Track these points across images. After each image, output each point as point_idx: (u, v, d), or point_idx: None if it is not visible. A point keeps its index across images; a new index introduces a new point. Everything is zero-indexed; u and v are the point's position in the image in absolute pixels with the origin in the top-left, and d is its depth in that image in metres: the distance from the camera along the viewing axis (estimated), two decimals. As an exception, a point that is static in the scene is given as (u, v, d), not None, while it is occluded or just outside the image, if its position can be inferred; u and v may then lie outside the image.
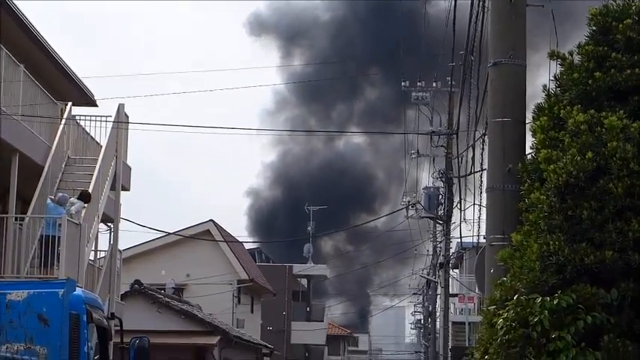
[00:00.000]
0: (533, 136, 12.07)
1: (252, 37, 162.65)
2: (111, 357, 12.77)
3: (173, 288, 44.42)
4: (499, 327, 10.71)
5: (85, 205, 25.11)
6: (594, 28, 11.79)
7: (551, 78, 12.32)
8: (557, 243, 10.55)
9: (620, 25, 11.43)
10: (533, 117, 12.21)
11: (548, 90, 12.19)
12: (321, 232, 68.19)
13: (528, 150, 12.78)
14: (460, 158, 31.52)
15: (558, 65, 12.25)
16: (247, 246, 61.56)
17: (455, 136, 29.94)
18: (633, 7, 11.71)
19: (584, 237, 10.53)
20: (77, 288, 11.88)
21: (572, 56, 12.05)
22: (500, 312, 10.89)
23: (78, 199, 24.87)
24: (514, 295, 10.75)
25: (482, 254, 13.46)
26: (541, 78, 13.54)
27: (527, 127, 12.86)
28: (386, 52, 74.25)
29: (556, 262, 10.54)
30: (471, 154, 30.50)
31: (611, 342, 10.19)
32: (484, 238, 13.51)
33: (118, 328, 12.99)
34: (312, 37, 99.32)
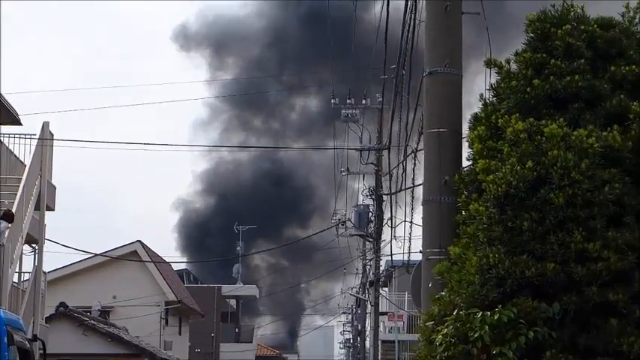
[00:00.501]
0: (470, 146, 11.72)
1: (182, 52, 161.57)
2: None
3: (99, 310, 43.68)
4: (438, 343, 10.31)
5: (9, 225, 24.51)
6: (532, 34, 11.47)
7: (488, 87, 12.00)
8: (497, 255, 10.18)
9: (559, 31, 11.13)
10: (470, 127, 11.87)
11: (485, 99, 11.87)
12: (251, 248, 67.61)
13: (465, 162, 12.43)
14: (391, 175, 31.12)
15: (495, 74, 11.93)
16: (176, 267, 60.81)
17: (387, 151, 29.46)
18: (572, 13, 11.42)
19: (524, 249, 10.18)
20: (-3, 309, 11.26)
21: (509, 64, 11.73)
22: (439, 328, 10.49)
23: (1, 218, 24.24)
24: (453, 310, 10.36)
25: (419, 269, 13.06)
26: (478, 87, 13.28)
27: (464, 138, 12.53)
28: (319, 62, 73.90)
29: (496, 275, 10.17)
30: (401, 171, 30.28)
31: (554, 357, 9.85)
32: (420, 252, 13.04)
33: (42, 351, 12.34)
34: (243, 47, 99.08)
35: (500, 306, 10.04)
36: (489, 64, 11.97)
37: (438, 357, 10.33)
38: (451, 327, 10.17)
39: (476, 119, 11.73)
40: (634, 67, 11.09)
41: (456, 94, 12.64)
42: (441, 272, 11.24)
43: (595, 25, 11.38)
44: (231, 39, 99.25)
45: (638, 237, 10.10)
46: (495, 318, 9.96)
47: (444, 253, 11.91)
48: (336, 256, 59.40)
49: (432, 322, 10.86)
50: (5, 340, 10.89)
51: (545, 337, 9.97)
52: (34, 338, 12.16)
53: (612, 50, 11.35)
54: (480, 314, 10.03)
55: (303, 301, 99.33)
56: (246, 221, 72.60)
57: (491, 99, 11.82)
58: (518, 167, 10.26)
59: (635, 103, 10.71)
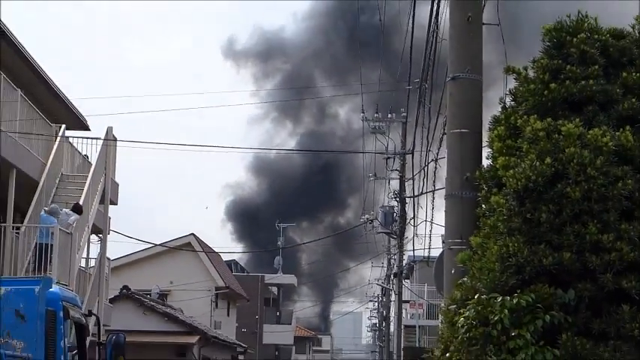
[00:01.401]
0: (489, 145, 10.96)
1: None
2: (88, 353, 11.48)
3: (158, 293, 43.19)
4: (460, 325, 9.55)
5: (79, 217, 24.13)
6: (548, 43, 10.67)
7: (507, 92, 11.24)
8: (516, 245, 9.41)
9: (574, 40, 10.33)
10: (489, 127, 11.10)
11: (504, 102, 11.10)
12: (295, 231, 66.95)
13: (484, 160, 11.67)
14: (414, 179, 30.40)
15: (513, 80, 11.17)
16: (225, 258, 60.17)
17: (410, 156, 28.74)
18: (586, 24, 10.63)
19: (542, 239, 9.40)
20: (55, 286, 10.62)
21: (526, 70, 10.95)
22: (461, 311, 9.74)
23: (72, 210, 23.88)
24: (475, 295, 9.59)
25: (441, 258, 12.31)
26: (492, 93, 12.56)
27: (484, 138, 11.79)
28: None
29: (515, 263, 9.39)
30: (423, 176, 29.57)
31: (569, 340, 9.05)
32: (441, 245, 12.32)
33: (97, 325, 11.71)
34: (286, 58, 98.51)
35: (519, 292, 9.28)
36: (508, 70, 11.20)
37: (459, 338, 9.57)
38: (472, 310, 9.41)
39: (496, 120, 10.96)
40: (644, 73, 10.32)
41: (476, 98, 11.89)
42: (463, 260, 10.50)
43: (608, 35, 10.58)
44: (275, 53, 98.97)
45: (648, 229, 9.30)
46: (514, 302, 9.19)
47: (465, 244, 11.16)
48: (365, 250, 58.78)
49: (455, 306, 10.11)
50: (61, 314, 10.24)
51: (560, 321, 9.19)
52: (90, 313, 11.48)
53: (623, 58, 10.53)
54: (500, 299, 9.27)
55: (336, 289, 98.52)
56: (291, 208, 71.98)
57: (510, 103, 11.06)
58: (537, 163, 9.49)
59: (646, 106, 9.95)
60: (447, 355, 10.10)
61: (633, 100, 10.03)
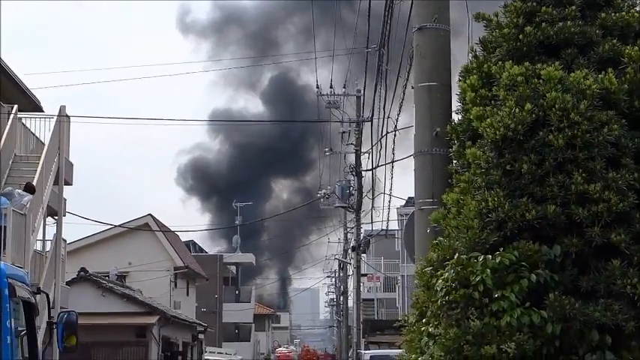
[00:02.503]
0: (461, 97, 9.94)
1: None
2: (38, 332, 10.39)
3: (116, 275, 41.97)
4: (438, 289, 8.58)
5: (31, 197, 22.93)
6: (520, -15, 9.71)
7: (476, 42, 10.27)
8: (496, 199, 8.45)
9: (548, -20, 9.38)
10: (460, 78, 10.10)
11: (475, 51, 10.12)
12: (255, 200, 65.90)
13: (454, 115, 10.71)
14: (372, 151, 29.46)
15: (483, 27, 10.21)
16: (183, 238, 58.98)
17: (369, 126, 27.71)
18: (560, -37, 9.68)
19: (524, 192, 8.47)
20: (-1, 263, 9.49)
21: (497, 17, 9.99)
22: (439, 273, 8.78)
23: (24, 190, 22.69)
24: (453, 255, 8.63)
25: (411, 219, 11.32)
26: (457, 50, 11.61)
27: (453, 91, 10.83)
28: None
29: (496, 218, 8.45)
30: (379, 148, 28.61)
31: (557, 300, 8.13)
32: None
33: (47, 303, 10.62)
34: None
35: (502, 249, 8.34)
36: (478, 17, 10.23)
37: (438, 302, 8.61)
38: (452, 271, 8.44)
39: (467, 70, 9.97)
40: (623, 14, 9.39)
41: (445, 49, 10.93)
42: (437, 220, 9.53)
43: (582, -25, 9.66)
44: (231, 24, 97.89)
45: (637, 178, 8.38)
46: (497, 261, 8.26)
47: (437, 203, 10.23)
48: (322, 226, 57.97)
49: (431, 268, 9.15)
50: (6, 292, 9.11)
51: (546, 280, 8.26)
52: (38, 291, 10.34)
53: (601, -1, 9.63)
54: (481, 258, 8.32)
55: (294, 265, 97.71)
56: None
57: (480, 52, 10.08)
58: (517, 110, 8.54)
59: (628, 47, 9.01)
60: (424, 320, 9.16)
61: (614, 41, 9.11)
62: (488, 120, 8.71)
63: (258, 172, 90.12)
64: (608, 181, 8.27)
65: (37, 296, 10.61)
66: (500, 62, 9.27)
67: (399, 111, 18.44)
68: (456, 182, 9.65)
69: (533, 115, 8.48)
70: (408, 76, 16.74)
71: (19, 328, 10.03)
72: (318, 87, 41.92)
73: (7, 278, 9.31)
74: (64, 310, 11.31)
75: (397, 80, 17.34)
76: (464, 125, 9.73)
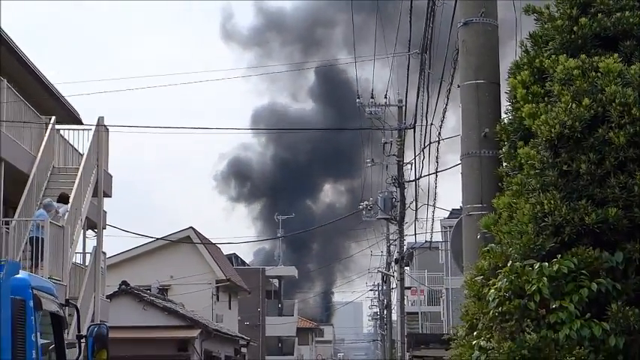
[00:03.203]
0: (511, 94, 9.30)
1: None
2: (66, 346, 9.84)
3: (158, 288, 41.48)
4: (490, 298, 7.94)
5: (68, 208, 22.61)
6: (574, -24, 9.04)
7: (526, 37, 9.60)
8: (552, 202, 7.80)
9: (604, -30, 8.70)
10: (509, 74, 9.45)
11: (525, 45, 9.45)
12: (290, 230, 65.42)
13: (503, 115, 10.05)
14: (415, 161, 28.73)
15: (534, 21, 9.55)
16: (225, 252, 58.51)
17: (412, 134, 26.94)
18: (617, -48, 8.99)
19: (583, 194, 7.81)
20: (22, 272, 8.95)
21: (548, 9, 9.33)
22: (491, 282, 8.12)
23: (58, 202, 22.37)
24: (506, 263, 7.98)
25: (459, 226, 10.65)
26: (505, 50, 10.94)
27: (502, 89, 10.18)
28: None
29: (552, 223, 7.80)
30: (422, 158, 27.94)
31: (620, 310, 7.45)
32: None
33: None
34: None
35: (559, 256, 7.67)
36: (528, 10, 9.57)
37: (490, 313, 7.96)
38: (505, 280, 7.79)
39: (517, 66, 9.32)
40: (686, 2, 8.69)
41: (492, 45, 10.28)
42: (487, 225, 8.86)
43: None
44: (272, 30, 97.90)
45: None
46: (554, 269, 7.60)
47: (486, 208, 9.58)
48: (364, 238, 57.31)
49: (482, 277, 8.49)
50: (31, 304, 8.57)
51: (608, 289, 7.59)
52: (67, 303, 9.79)
53: (660, -13, 8.92)
54: (536, 265, 7.67)
55: (336, 279, 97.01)
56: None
57: (531, 47, 9.41)
58: (573, 105, 7.88)
59: (692, 38, 8.33)
60: (475, 333, 8.48)
61: (676, 32, 8.42)
62: (543, 117, 8.06)
63: (305, 173, 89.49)
64: (674, 182, 7.59)
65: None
66: (553, 56, 8.61)
67: (443, 117, 17.77)
68: (506, 186, 9.00)
69: (592, 111, 7.82)
70: (452, 80, 16.07)
71: (46, 342, 9.54)
72: (359, 97, 41.16)
73: (32, 289, 8.79)
74: (95, 323, 10.77)
75: (440, 84, 16.68)
76: (515, 124, 9.08)
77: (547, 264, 7.61)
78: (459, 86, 10.39)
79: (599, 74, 8.00)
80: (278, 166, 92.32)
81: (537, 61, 8.89)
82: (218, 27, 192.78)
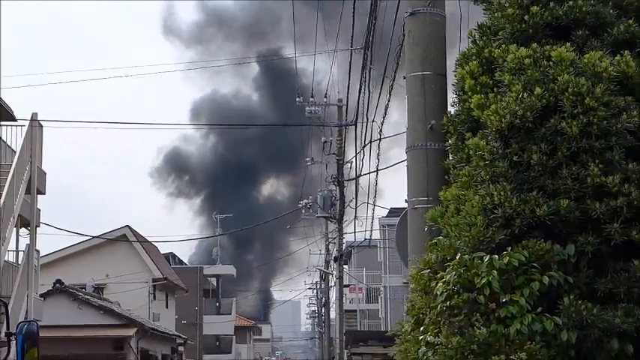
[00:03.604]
0: (459, 85, 9.05)
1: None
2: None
3: (93, 287, 40.71)
4: (438, 292, 7.69)
5: None
6: (524, -37, 8.82)
7: (474, 27, 9.37)
8: (502, 193, 7.58)
9: (555, -43, 8.49)
10: (457, 65, 9.20)
11: (474, 35, 9.23)
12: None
13: (450, 108, 9.81)
14: (356, 158, 28.56)
15: (482, 11, 9.33)
16: (162, 251, 57.78)
17: (354, 128, 26.68)
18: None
19: (534, 185, 7.60)
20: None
21: (497, -2, 9.10)
22: (439, 275, 7.87)
23: None
24: (455, 256, 7.74)
25: (404, 220, 10.39)
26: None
27: (449, 81, 9.94)
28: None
29: (502, 215, 7.57)
30: (362, 157, 27.73)
31: (572, 304, 7.24)
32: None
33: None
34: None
35: (510, 249, 7.45)
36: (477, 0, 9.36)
37: (438, 307, 7.71)
38: (454, 273, 7.55)
39: (465, 57, 9.09)
40: (638, -7, 8.54)
41: (439, 36, 10.03)
42: (434, 218, 8.63)
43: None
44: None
45: (659, 170, 7.52)
46: (504, 262, 7.38)
47: (432, 202, 9.35)
48: (302, 236, 57.04)
49: (429, 270, 8.24)
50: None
51: (560, 283, 7.38)
52: (-5, 301, 9.29)
53: (613, -22, 8.75)
54: (486, 258, 7.43)
55: (276, 277, 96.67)
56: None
57: (479, 39, 9.17)
58: (525, 95, 7.67)
59: (646, 28, 8.16)
60: (421, 329, 8.23)
61: (630, 21, 8.26)
62: (493, 107, 7.84)
63: (247, 167, 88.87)
64: (627, 173, 7.44)
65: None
66: (503, 46, 8.39)
67: (385, 114, 17.53)
68: (453, 178, 8.77)
69: (544, 101, 7.62)
70: (394, 76, 15.85)
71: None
72: (299, 96, 40.88)
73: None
74: (24, 320, 10.32)
75: (383, 80, 16.44)
76: (462, 116, 8.86)
77: (497, 257, 7.39)
78: (404, 77, 10.13)
79: (551, 63, 7.79)
80: (219, 159, 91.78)
81: (486, 51, 8.67)
82: (159, 23, 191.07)
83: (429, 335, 7.92)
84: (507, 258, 7.36)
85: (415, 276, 8.46)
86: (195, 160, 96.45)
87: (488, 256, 7.41)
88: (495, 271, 7.33)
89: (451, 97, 9.70)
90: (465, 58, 9.04)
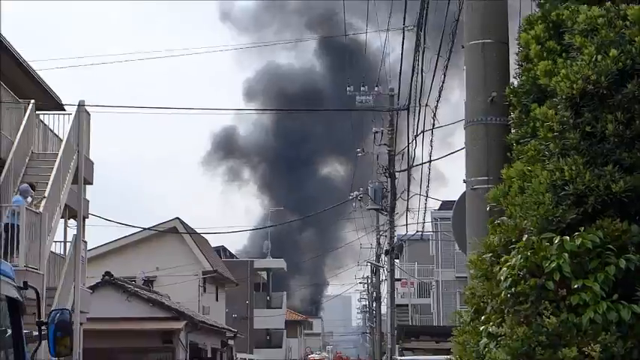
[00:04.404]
0: (522, 54, 8.24)
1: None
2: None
3: (143, 279, 40.46)
4: (502, 278, 6.90)
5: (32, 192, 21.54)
6: None
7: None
8: (574, 167, 6.78)
9: None
10: (521, 30, 8.38)
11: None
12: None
13: (512, 79, 9.01)
14: (408, 153, 27.75)
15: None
16: (213, 245, 57.39)
17: (406, 112, 25.87)
18: None
19: (609, 158, 6.79)
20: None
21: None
22: (502, 259, 7.09)
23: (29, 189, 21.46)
24: (520, 237, 6.95)
25: (462, 202, 9.57)
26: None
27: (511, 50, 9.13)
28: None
29: (573, 192, 6.77)
30: (415, 146, 26.92)
31: (653, 291, 6.43)
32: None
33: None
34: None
35: (582, 229, 6.65)
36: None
37: (502, 295, 6.93)
38: (519, 257, 6.76)
39: (529, 22, 8.28)
40: None
41: (501, 1, 9.20)
42: (496, 198, 7.81)
43: None
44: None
45: None
46: (576, 244, 6.57)
47: (492, 182, 8.55)
48: (353, 229, 56.25)
49: (491, 255, 7.46)
50: (-20, 286, 7.50)
51: (638, 267, 6.57)
52: (25, 285, 8.68)
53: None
54: (556, 239, 6.64)
55: (325, 272, 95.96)
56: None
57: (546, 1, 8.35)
58: (599, 57, 6.86)
59: None
60: (482, 318, 7.45)
61: None
62: (562, 72, 7.03)
63: (303, 148, 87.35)
64: None
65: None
66: (572, 7, 7.58)
67: (439, 97, 16.74)
68: (516, 155, 7.96)
69: (620, 64, 6.80)
70: (449, 56, 15.04)
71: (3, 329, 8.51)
72: (349, 85, 40.10)
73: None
74: (56, 309, 9.71)
75: (437, 60, 15.64)
76: (527, 86, 8.03)
77: (568, 238, 6.59)
78: (462, 47, 9.33)
79: (627, 23, 6.97)
80: (275, 143, 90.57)
81: (553, 14, 7.86)
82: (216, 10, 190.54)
83: (491, 325, 7.15)
84: (580, 239, 6.56)
85: (475, 261, 7.68)
86: (248, 143, 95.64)
87: (558, 237, 6.61)
88: (566, 254, 6.54)
89: (514, 68, 8.91)
90: (530, 23, 8.23)
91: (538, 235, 6.77)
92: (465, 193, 9.30)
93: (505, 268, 6.85)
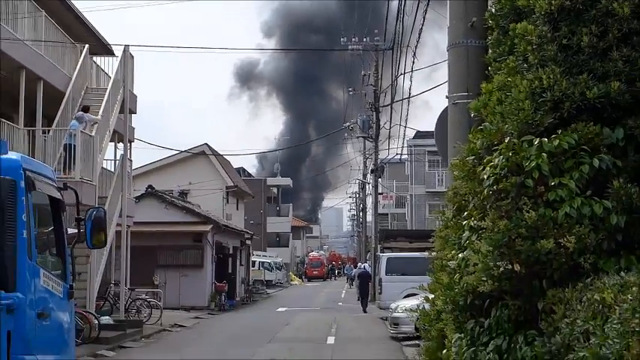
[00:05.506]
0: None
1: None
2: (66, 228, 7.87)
3: (178, 192, 39.53)
4: (485, 176, 5.96)
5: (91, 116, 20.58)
6: None
7: None
8: (551, 76, 5.79)
9: None
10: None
11: None
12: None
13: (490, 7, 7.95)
14: (393, 89, 26.68)
15: None
16: (234, 165, 56.40)
17: (390, 51, 24.79)
18: None
19: (583, 68, 5.80)
20: (13, 153, 6.95)
21: None
22: (485, 160, 6.14)
23: (82, 111, 20.62)
24: (502, 140, 5.99)
25: (444, 116, 8.60)
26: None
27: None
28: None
29: (551, 98, 5.80)
30: (396, 85, 25.89)
31: (622, 188, 5.49)
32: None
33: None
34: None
35: (560, 132, 5.70)
36: None
37: (484, 192, 6.00)
38: (501, 157, 5.82)
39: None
40: None
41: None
42: (477, 108, 6.84)
43: None
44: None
45: None
46: (554, 145, 5.63)
47: (472, 97, 7.56)
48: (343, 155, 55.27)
49: (473, 157, 6.51)
50: (22, 184, 6.59)
51: (609, 166, 5.63)
52: (65, 187, 7.75)
53: None
54: (536, 141, 5.68)
55: (322, 187, 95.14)
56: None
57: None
58: (576, -25, 5.83)
59: None
60: (465, 214, 6.53)
61: None
62: (541, -11, 5.99)
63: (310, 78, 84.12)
64: (681, 54, 5.59)
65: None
66: None
67: (419, 37, 15.64)
68: (494, 71, 6.97)
69: (595, -19, 5.77)
70: (428, 1, 13.88)
71: (45, 225, 7.64)
72: (342, 36, 38.85)
73: (25, 171, 6.80)
74: (93, 206, 8.79)
75: (417, 6, 14.51)
76: (505, 9, 7.00)
77: (546, 140, 5.64)
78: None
79: (601, -57, 5.92)
80: (289, 75, 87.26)
81: (530, -59, 6.79)
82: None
83: (473, 220, 6.24)
84: (557, 141, 5.62)
85: (458, 164, 6.73)
86: (266, 73, 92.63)
87: (538, 139, 5.67)
88: (545, 155, 5.60)
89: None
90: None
91: (518, 137, 5.82)
92: (447, 107, 8.32)
93: (488, 168, 5.91)
